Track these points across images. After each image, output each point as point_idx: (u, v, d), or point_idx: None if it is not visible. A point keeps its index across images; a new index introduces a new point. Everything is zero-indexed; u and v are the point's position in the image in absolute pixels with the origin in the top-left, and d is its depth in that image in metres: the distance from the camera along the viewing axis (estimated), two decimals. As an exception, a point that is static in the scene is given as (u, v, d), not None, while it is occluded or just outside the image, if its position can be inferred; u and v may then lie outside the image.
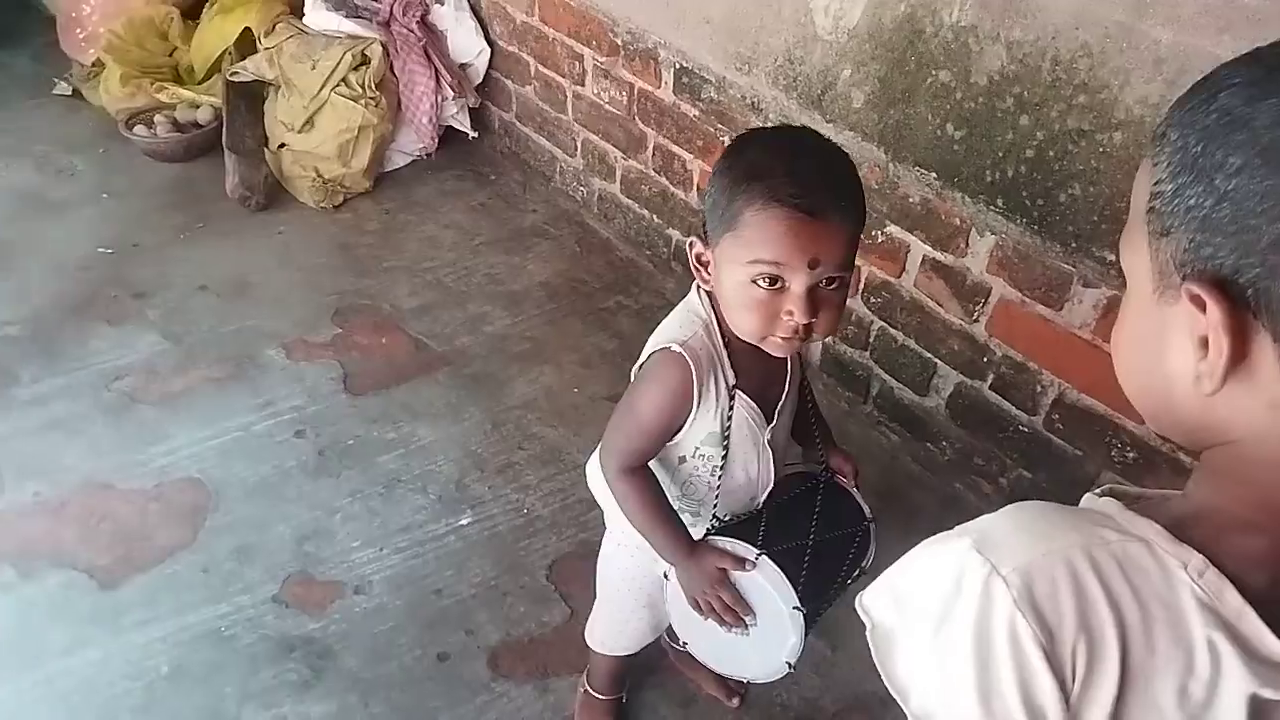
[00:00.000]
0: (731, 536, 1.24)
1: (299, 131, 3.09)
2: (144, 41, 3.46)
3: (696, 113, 2.55)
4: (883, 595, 0.64)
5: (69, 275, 2.77)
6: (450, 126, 3.36)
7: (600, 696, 1.71)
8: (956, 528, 0.61)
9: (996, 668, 0.54)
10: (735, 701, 1.78)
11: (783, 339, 1.08)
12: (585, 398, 2.45)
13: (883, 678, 0.62)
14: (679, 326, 1.18)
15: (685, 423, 1.20)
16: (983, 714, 0.55)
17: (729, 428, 1.20)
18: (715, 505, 1.27)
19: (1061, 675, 0.53)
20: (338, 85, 3.03)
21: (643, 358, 1.20)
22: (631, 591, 1.46)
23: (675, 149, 2.68)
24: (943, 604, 0.58)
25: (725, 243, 1.06)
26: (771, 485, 1.31)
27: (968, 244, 2.00)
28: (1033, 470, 2.09)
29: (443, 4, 3.24)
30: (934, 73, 1.92)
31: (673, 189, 2.76)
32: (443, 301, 2.78)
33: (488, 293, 2.83)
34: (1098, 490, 0.63)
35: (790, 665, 1.25)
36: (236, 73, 3.16)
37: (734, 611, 1.23)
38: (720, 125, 2.48)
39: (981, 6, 1.79)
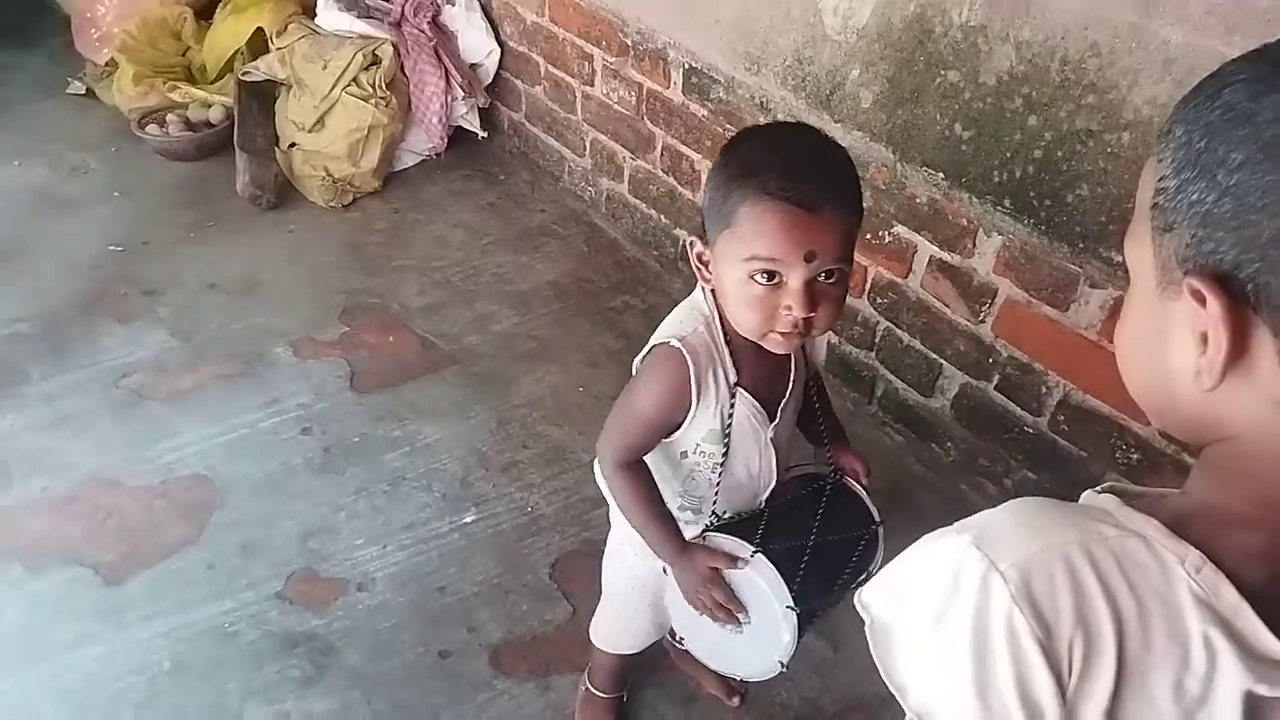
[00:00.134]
0: (730, 534, 1.23)
1: (310, 131, 3.11)
2: (157, 41, 3.48)
3: (705, 113, 2.55)
4: (881, 591, 0.64)
5: (80, 273, 2.79)
6: (460, 126, 3.37)
7: (601, 694, 1.71)
8: (955, 524, 0.61)
9: (994, 663, 0.54)
10: (735, 700, 1.78)
11: (782, 335, 1.07)
12: (591, 397, 2.45)
13: (881, 673, 0.62)
14: (680, 322, 1.18)
15: (685, 419, 1.19)
16: (980, 709, 0.55)
17: (730, 425, 1.20)
18: (715, 502, 1.27)
19: (1058, 670, 0.53)
20: (348, 85, 3.04)
21: (643, 353, 1.20)
22: (635, 590, 1.46)
23: (684, 149, 2.68)
24: (941, 599, 0.58)
25: (723, 240, 1.06)
26: (774, 483, 1.30)
27: (975, 244, 1.99)
28: (1037, 471, 2.08)
29: (454, 4, 3.25)
30: (943, 73, 1.91)
31: (681, 189, 2.76)
32: (450, 300, 2.78)
33: (495, 292, 2.83)
34: (1098, 488, 0.63)
35: (783, 665, 1.25)
36: (248, 72, 3.18)
37: (726, 609, 1.23)
38: (729, 125, 2.47)
39: (990, 6, 1.78)
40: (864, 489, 1.35)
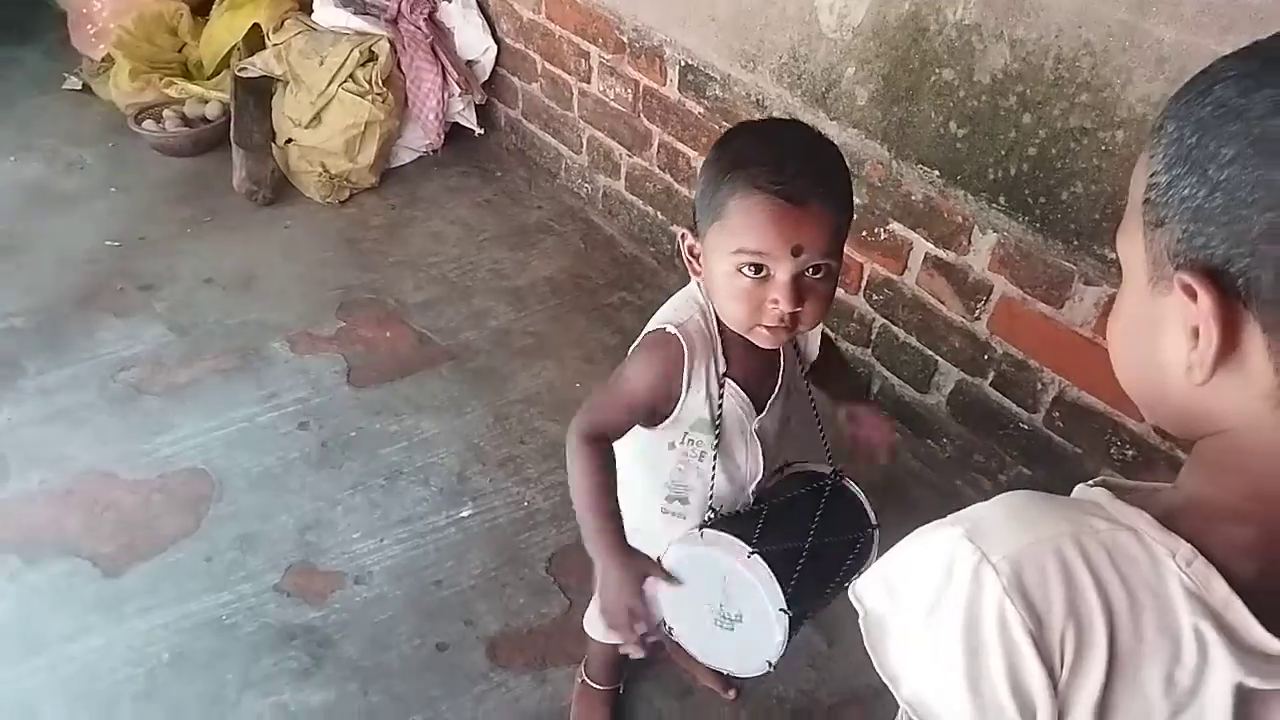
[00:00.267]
0: (727, 531, 1.24)
1: (306, 127, 3.11)
2: (153, 37, 3.48)
3: (701, 110, 2.56)
4: (875, 583, 0.64)
5: (77, 267, 2.79)
6: (456, 123, 3.37)
7: (597, 686, 1.72)
8: (949, 516, 0.61)
9: (985, 654, 0.55)
10: (731, 694, 1.79)
11: (768, 329, 1.08)
12: (587, 393, 2.43)
13: (874, 665, 0.62)
14: (676, 311, 1.19)
15: (674, 407, 1.20)
16: (971, 700, 0.56)
17: (720, 415, 1.21)
18: (711, 496, 1.28)
19: (1050, 662, 0.54)
20: (345, 81, 3.05)
21: (639, 339, 1.21)
22: None
23: (680, 146, 2.69)
24: (934, 591, 0.58)
25: (712, 233, 1.07)
26: (760, 476, 1.31)
27: (970, 242, 2.01)
28: (1032, 467, 2.09)
29: (450, 1, 3.25)
30: (937, 71, 1.93)
31: (677, 186, 2.77)
32: (447, 296, 2.79)
33: (492, 288, 2.84)
34: (1090, 482, 0.63)
35: (770, 664, 1.25)
36: (245, 68, 3.18)
37: (636, 623, 1.21)
38: (725, 122, 2.48)
39: (985, 5, 1.79)
40: (863, 491, 1.35)
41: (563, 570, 2.01)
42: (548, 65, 3.10)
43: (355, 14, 3.15)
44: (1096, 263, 1.78)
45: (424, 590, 1.96)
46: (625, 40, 2.71)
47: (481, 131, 3.42)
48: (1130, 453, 1.88)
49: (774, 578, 1.18)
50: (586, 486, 1.22)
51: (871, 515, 1.34)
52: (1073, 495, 0.63)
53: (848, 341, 2.41)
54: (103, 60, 3.56)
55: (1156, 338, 0.58)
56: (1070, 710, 0.54)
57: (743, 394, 1.22)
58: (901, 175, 2.09)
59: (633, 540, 1.29)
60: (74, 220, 2.99)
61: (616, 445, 1.26)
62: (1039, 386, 2.00)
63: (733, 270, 1.05)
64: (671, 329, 1.15)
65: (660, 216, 2.89)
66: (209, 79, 3.49)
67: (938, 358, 2.20)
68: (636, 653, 1.26)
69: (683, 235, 1.15)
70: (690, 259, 1.15)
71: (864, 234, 2.22)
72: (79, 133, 3.43)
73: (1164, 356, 0.57)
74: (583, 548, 1.55)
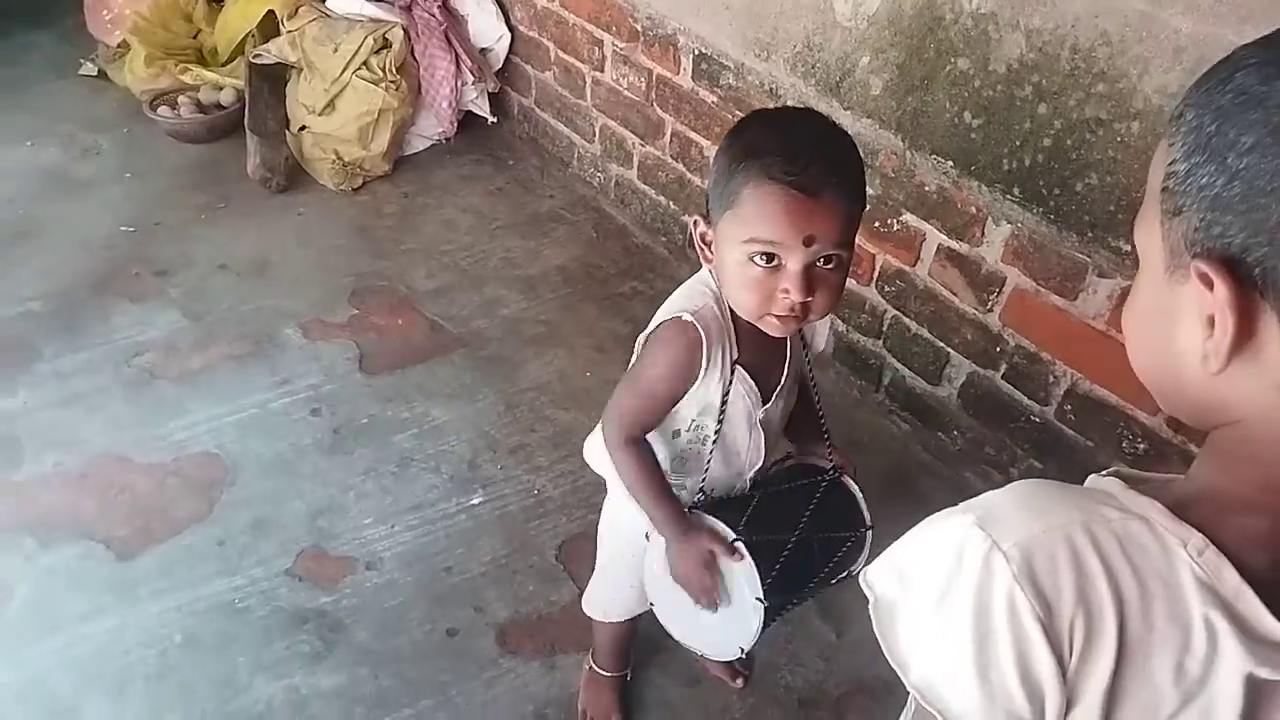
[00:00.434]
0: (716, 515, 1.24)
1: (320, 114, 3.11)
2: (169, 23, 3.49)
3: (715, 99, 2.56)
4: (886, 569, 0.64)
5: (92, 253, 2.81)
6: (469, 111, 3.37)
7: (605, 673, 1.73)
8: (960, 504, 0.61)
9: (995, 641, 0.55)
10: (739, 682, 1.79)
11: (778, 318, 1.08)
12: (598, 382, 2.46)
13: (884, 651, 0.62)
14: (689, 298, 1.19)
15: (689, 391, 1.20)
16: (980, 687, 0.56)
17: (726, 401, 1.21)
18: (704, 480, 1.28)
19: (1059, 649, 0.54)
20: (359, 68, 3.05)
21: (650, 327, 1.21)
22: (631, 547, 1.44)
23: (693, 135, 2.69)
24: (944, 578, 0.58)
25: (725, 221, 1.07)
26: (760, 464, 1.31)
27: (983, 233, 2.00)
28: (1043, 460, 2.09)
29: (464, -12, 3.25)
30: (953, 60, 1.92)
31: (690, 175, 2.77)
32: (459, 284, 2.80)
33: (503, 276, 2.84)
34: (1102, 472, 0.63)
35: (742, 651, 1.26)
36: (259, 55, 3.18)
37: (709, 595, 1.26)
38: (738, 112, 2.48)
39: (1001, -6, 1.78)
40: (860, 490, 1.35)
41: (572, 558, 2.01)
42: (561, 53, 3.09)
43: (369, 1, 3.15)
44: (1111, 255, 1.77)
45: (434, 576, 1.97)
46: (639, 29, 2.71)
47: (494, 120, 3.42)
48: (1142, 446, 1.87)
49: (754, 567, 1.18)
50: (644, 485, 1.27)
51: (866, 516, 1.33)
52: (1085, 485, 0.63)
53: (859, 333, 2.41)
54: (118, 46, 3.57)
55: (1172, 327, 0.57)
56: (1079, 698, 0.54)
57: (751, 382, 1.23)
58: (915, 166, 2.08)
59: (625, 515, 1.30)
60: (89, 205, 3.01)
61: None
62: (1051, 379, 1.99)
63: (744, 259, 1.05)
64: (688, 317, 1.15)
65: (672, 206, 2.89)
66: (224, 65, 3.50)
67: (949, 350, 2.19)
68: (709, 606, 1.30)
69: (695, 222, 1.15)
70: (702, 246, 1.15)
71: (876, 225, 2.21)
72: (94, 118, 3.45)
73: (1180, 345, 0.57)
74: (592, 536, 1.57)
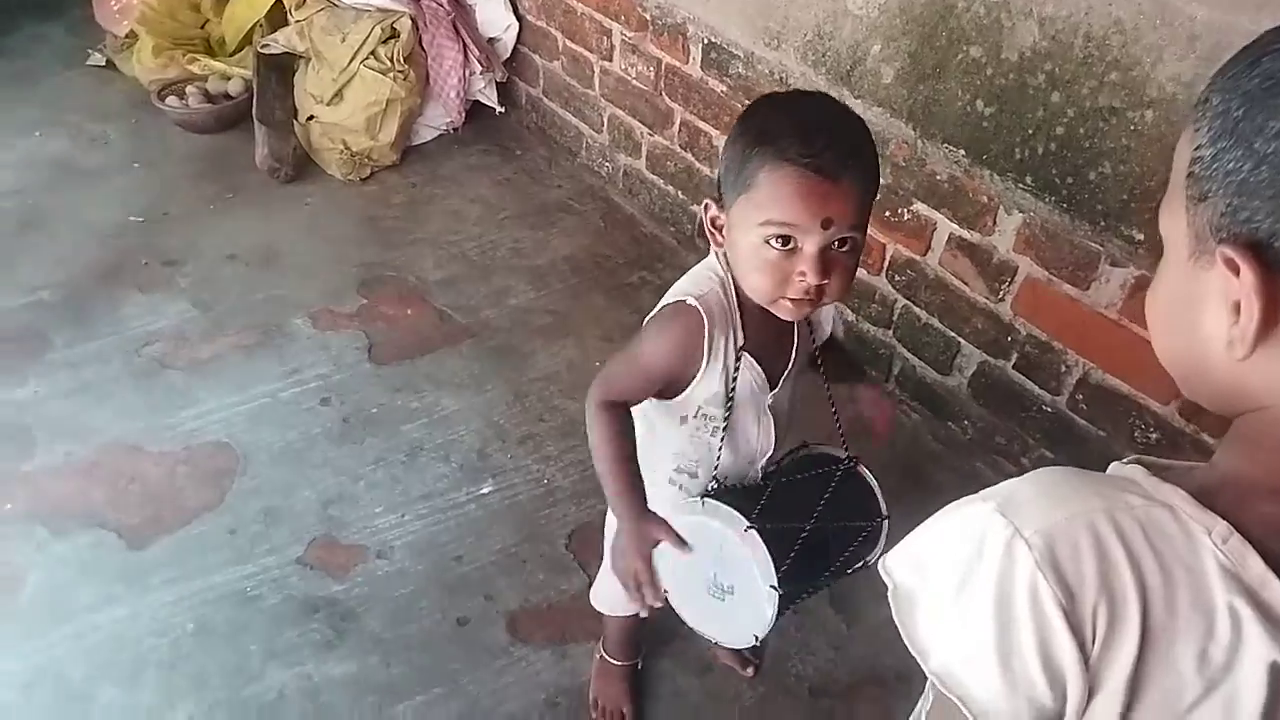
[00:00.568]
0: (729, 504, 1.24)
1: (328, 104, 3.11)
2: (176, 13, 3.49)
3: (724, 88, 2.55)
4: (905, 557, 0.64)
5: (101, 243, 2.81)
6: (477, 101, 3.37)
7: (615, 662, 1.73)
8: (981, 492, 0.61)
9: (1017, 628, 0.55)
10: (750, 671, 1.80)
11: (793, 301, 1.08)
12: (607, 372, 2.45)
13: (904, 638, 0.62)
14: (694, 283, 1.18)
15: (693, 377, 1.20)
16: (1002, 674, 0.56)
17: (734, 389, 1.21)
18: (716, 467, 1.28)
19: (1081, 637, 0.54)
20: (367, 58, 3.05)
21: (657, 309, 1.21)
22: None
23: (702, 125, 2.68)
24: (965, 565, 0.58)
25: (739, 204, 1.06)
26: (771, 451, 1.31)
27: (995, 222, 1.99)
28: (1055, 450, 2.08)
29: (472, -22, 3.24)
30: (965, 48, 1.91)
31: (698, 165, 2.76)
32: (467, 274, 2.80)
33: (512, 266, 2.84)
34: (1125, 460, 0.63)
35: (756, 639, 1.26)
36: (267, 45, 3.17)
37: (639, 584, 1.25)
38: (748, 101, 2.43)
39: (1014, -19, 1.77)
40: (877, 480, 1.34)
41: (582, 547, 2.01)
42: (569, 43, 3.08)
43: (377, -10, 3.14)
44: (1124, 244, 1.76)
45: (445, 565, 1.98)
46: (648, 18, 2.70)
47: (502, 109, 3.41)
48: (1154, 435, 1.87)
49: (768, 554, 1.18)
50: (606, 452, 1.24)
51: (883, 505, 1.33)
52: (1108, 472, 0.63)
53: (869, 323, 2.40)
54: (126, 36, 3.57)
55: (1198, 313, 0.57)
56: (1101, 686, 0.54)
57: (758, 368, 1.22)
58: (926, 154, 2.07)
59: (653, 501, 1.30)
60: (98, 196, 3.01)
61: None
62: (1062, 369, 1.99)
63: (760, 242, 1.05)
64: (692, 300, 1.14)
65: (681, 196, 2.88)
66: (231, 55, 3.50)
67: (960, 339, 2.19)
68: (642, 612, 1.30)
69: (705, 206, 1.14)
70: (712, 230, 1.14)
71: (887, 214, 2.21)
72: (103, 109, 3.45)
73: (1205, 331, 0.57)
74: (601, 525, 1.57)
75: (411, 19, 3.10)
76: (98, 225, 2.88)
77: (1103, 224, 1.79)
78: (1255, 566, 0.52)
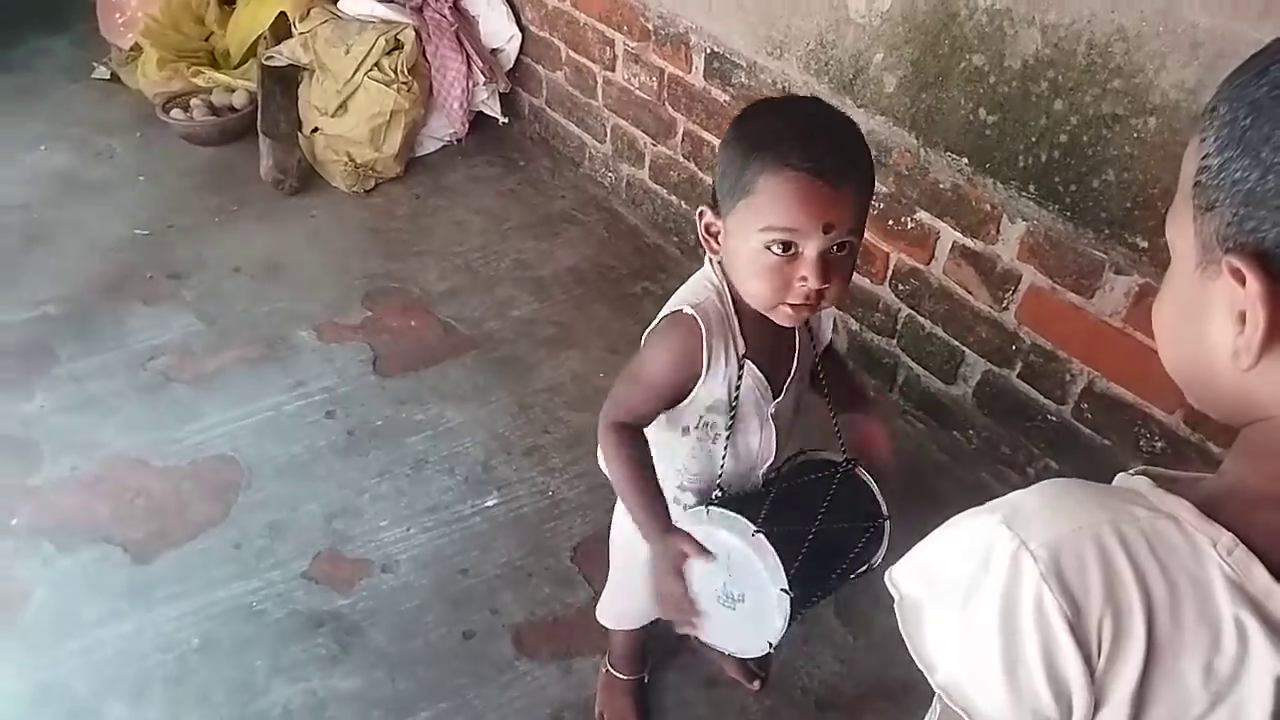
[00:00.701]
0: (733, 511, 1.23)
1: (332, 116, 3.12)
2: (181, 26, 3.50)
3: (727, 98, 2.55)
4: (911, 568, 0.64)
5: (106, 256, 2.82)
6: (481, 112, 3.37)
7: (621, 676, 1.73)
8: (987, 504, 0.61)
9: (1022, 640, 0.55)
10: (756, 684, 1.79)
11: (793, 307, 1.08)
12: (611, 382, 2.43)
13: (910, 650, 0.62)
14: (691, 293, 1.18)
15: (694, 387, 1.19)
16: (1008, 686, 0.55)
17: (737, 396, 1.20)
18: (720, 475, 1.27)
19: (1087, 649, 0.53)
20: (370, 70, 3.06)
21: (654, 323, 1.21)
22: (640, 561, 1.44)
23: (705, 135, 2.68)
24: (971, 577, 0.58)
25: (738, 211, 1.06)
26: (773, 459, 1.31)
27: (998, 230, 1.98)
28: (1060, 459, 2.07)
29: (475, -11, 3.25)
30: (967, 57, 1.90)
31: (701, 175, 2.76)
32: (471, 286, 2.80)
33: (516, 277, 2.84)
34: (1131, 470, 0.63)
35: (770, 645, 1.25)
36: (271, 57, 3.19)
37: (680, 604, 1.21)
38: (750, 110, 2.46)
39: (1016, -10, 1.77)
40: (876, 481, 1.34)
41: (587, 560, 2.01)
42: (572, 53, 3.09)
43: (381, 2, 3.16)
44: (1128, 252, 1.75)
45: (450, 579, 1.97)
46: (650, 27, 2.70)
47: (505, 120, 3.42)
48: (1160, 445, 1.86)
49: (777, 559, 1.18)
50: (623, 474, 1.23)
51: (883, 506, 1.33)
52: (1114, 483, 0.63)
53: (873, 332, 2.40)
54: (131, 49, 3.59)
55: (1204, 322, 0.57)
56: (1107, 699, 0.54)
57: (760, 376, 1.22)
58: (929, 163, 2.07)
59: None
60: (104, 209, 3.02)
61: None
62: (1068, 377, 1.98)
63: (760, 248, 1.05)
64: (688, 309, 1.14)
65: (684, 205, 2.88)
66: (236, 68, 3.52)
67: (964, 348, 2.18)
68: (687, 630, 1.27)
69: (701, 212, 1.14)
70: (707, 238, 1.14)
71: (890, 223, 2.20)
72: (108, 122, 3.47)
73: (1211, 341, 0.57)
74: (607, 538, 1.56)
75: (415, 30, 3.11)
76: (103, 238, 2.89)
77: (1107, 232, 1.78)
78: (1261, 578, 0.52)
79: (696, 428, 1.26)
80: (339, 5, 3.24)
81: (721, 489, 1.29)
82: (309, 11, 3.23)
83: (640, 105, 2.88)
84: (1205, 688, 0.52)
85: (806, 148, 1.00)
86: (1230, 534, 0.53)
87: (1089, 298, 1.86)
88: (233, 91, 3.41)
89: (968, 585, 0.58)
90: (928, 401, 2.33)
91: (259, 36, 3.37)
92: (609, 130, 3.09)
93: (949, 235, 2.10)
